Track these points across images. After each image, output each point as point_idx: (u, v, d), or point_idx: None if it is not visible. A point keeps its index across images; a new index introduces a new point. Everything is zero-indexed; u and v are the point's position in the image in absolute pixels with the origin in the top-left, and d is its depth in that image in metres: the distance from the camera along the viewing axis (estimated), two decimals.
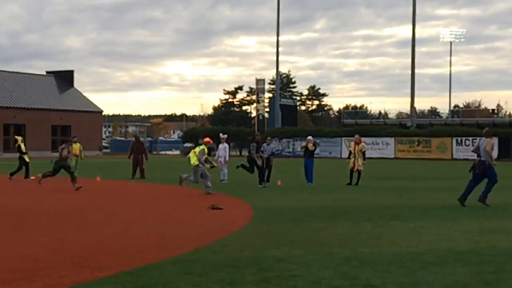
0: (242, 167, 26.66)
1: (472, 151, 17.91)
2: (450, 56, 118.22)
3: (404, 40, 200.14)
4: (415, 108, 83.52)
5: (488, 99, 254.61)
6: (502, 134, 70.26)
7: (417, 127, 78.82)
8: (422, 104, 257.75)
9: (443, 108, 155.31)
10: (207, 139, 22.10)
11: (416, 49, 79.24)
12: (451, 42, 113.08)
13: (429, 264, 9.10)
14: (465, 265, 9.00)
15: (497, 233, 12.22)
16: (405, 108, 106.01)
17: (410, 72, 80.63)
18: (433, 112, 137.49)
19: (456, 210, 16.48)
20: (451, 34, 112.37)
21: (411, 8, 78.29)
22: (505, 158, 68.11)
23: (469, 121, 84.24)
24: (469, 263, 9.15)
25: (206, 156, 21.64)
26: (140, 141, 31.95)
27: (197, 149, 21.67)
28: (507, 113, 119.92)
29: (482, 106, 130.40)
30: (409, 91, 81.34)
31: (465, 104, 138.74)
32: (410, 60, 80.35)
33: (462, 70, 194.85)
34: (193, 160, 21.46)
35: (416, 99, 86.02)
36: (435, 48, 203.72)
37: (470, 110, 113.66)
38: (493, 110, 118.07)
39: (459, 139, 69.21)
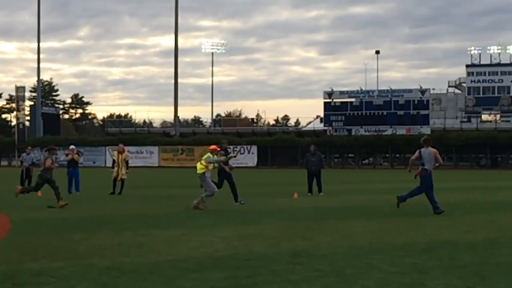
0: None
1: (412, 159, 18.40)
2: (212, 66, 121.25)
3: (168, 49, 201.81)
4: (178, 117, 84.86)
5: (248, 108, 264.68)
6: (260, 142, 73.41)
7: (181, 136, 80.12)
8: (186, 113, 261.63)
9: (206, 117, 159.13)
10: (213, 146, 20.55)
11: (180, 59, 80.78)
12: (212, 53, 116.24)
13: (188, 271, 9.26)
14: (222, 271, 9.26)
15: (254, 238, 12.71)
16: (169, 117, 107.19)
17: (173, 81, 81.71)
18: (197, 121, 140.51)
19: (216, 217, 16.92)
20: (212, 45, 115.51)
21: (174, 19, 79.49)
22: (263, 165, 71.15)
23: (230, 130, 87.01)
24: (226, 268, 9.44)
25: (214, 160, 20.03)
26: None
27: (203, 159, 20.01)
28: (266, 122, 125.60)
29: (243, 115, 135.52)
30: (173, 100, 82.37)
31: (226, 113, 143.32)
32: (173, 69, 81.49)
33: (224, 80, 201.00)
34: (198, 168, 19.92)
35: (180, 108, 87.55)
36: (198, 58, 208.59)
37: (231, 119, 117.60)
38: (252, 119, 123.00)
39: None
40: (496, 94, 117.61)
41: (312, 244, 11.97)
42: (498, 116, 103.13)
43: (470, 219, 16.40)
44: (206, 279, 8.66)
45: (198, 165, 19.91)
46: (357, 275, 8.99)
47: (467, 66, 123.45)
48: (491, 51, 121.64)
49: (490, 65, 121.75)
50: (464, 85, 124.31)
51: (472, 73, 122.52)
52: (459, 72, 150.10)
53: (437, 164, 17.78)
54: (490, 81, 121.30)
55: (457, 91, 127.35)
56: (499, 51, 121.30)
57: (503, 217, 17.07)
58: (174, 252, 11.04)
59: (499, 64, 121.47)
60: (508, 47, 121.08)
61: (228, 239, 12.58)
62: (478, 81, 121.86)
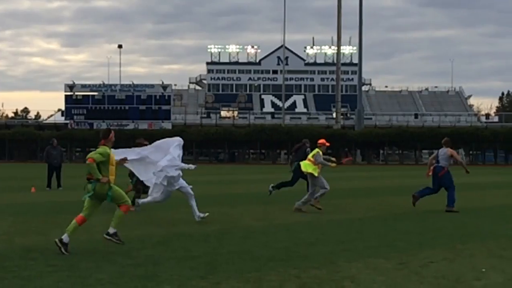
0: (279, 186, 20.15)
1: (430, 159, 18.48)
2: None
3: None
4: None
5: None
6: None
7: None
8: None
9: None
10: (322, 140, 17.28)
11: None
12: None
13: None
14: None
15: None
16: None
17: None
18: None
19: None
20: None
21: None
22: (1, 159, 68.26)
23: None
24: None
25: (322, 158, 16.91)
26: None
27: (311, 155, 17.08)
28: (4, 114, 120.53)
29: None
30: None
31: None
32: None
33: None
34: (310, 169, 16.85)
35: None
36: None
37: None
38: None
39: None
40: (234, 92, 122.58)
41: (47, 240, 11.75)
42: (236, 113, 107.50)
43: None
44: None
45: (306, 164, 17.07)
46: (92, 268, 9.01)
47: (208, 63, 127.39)
48: (230, 50, 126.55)
49: (229, 63, 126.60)
50: (205, 81, 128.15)
51: (212, 70, 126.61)
52: (200, 69, 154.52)
53: (452, 162, 18.36)
54: (229, 78, 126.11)
55: (198, 87, 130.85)
56: (238, 50, 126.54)
57: (236, 209, 17.83)
58: None
59: (237, 63, 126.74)
60: (246, 47, 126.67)
61: None
62: (218, 78, 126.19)
